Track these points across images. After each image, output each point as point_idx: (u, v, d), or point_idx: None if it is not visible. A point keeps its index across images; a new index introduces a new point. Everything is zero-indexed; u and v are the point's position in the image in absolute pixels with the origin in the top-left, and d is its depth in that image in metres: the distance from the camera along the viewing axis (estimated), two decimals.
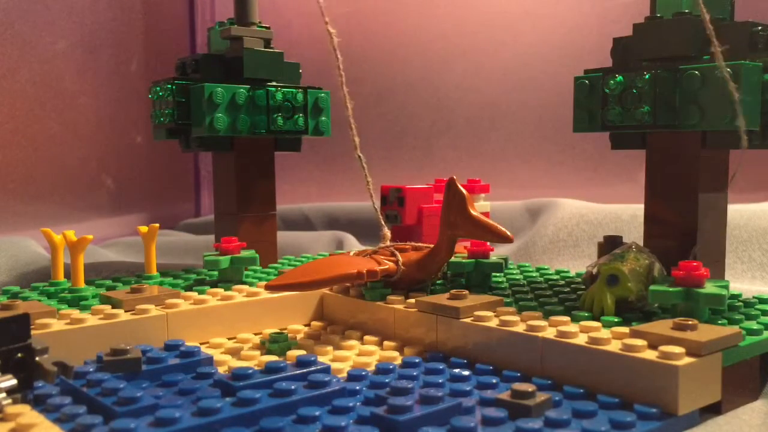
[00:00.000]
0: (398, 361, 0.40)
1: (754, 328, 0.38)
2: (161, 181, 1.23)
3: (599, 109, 0.45)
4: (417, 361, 0.38)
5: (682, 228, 0.47)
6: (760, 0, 0.78)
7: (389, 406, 0.30)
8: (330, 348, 0.42)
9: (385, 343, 0.44)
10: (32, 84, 0.99)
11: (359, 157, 0.53)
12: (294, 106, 0.59)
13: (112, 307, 0.44)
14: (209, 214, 1.25)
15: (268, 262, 0.62)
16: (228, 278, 0.54)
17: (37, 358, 0.31)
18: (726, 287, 0.40)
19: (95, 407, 0.31)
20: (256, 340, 0.45)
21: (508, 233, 0.46)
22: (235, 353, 0.42)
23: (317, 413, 0.30)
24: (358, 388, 0.34)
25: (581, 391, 0.34)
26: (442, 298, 0.43)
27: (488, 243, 0.51)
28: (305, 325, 0.49)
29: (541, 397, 0.32)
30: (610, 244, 0.48)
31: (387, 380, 0.34)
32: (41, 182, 1.01)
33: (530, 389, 0.32)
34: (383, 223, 0.56)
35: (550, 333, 0.37)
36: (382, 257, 0.48)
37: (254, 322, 0.48)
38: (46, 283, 0.53)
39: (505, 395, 0.32)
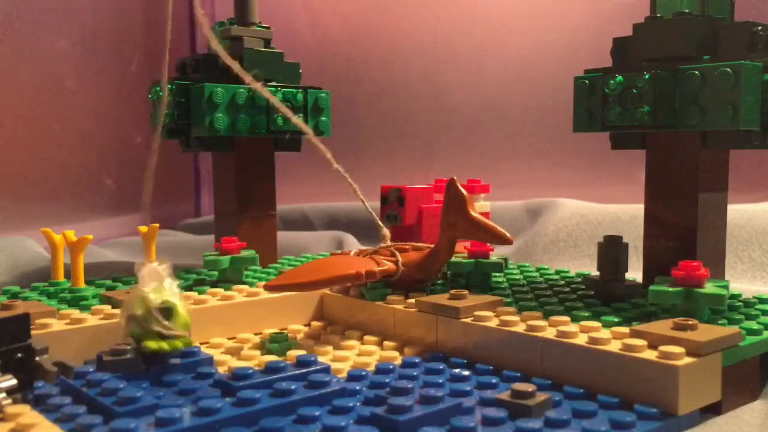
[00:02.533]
0: (398, 361, 0.40)
1: (754, 328, 0.38)
2: (161, 181, 1.23)
3: (599, 109, 0.45)
4: (417, 361, 0.38)
5: (682, 228, 0.47)
6: (760, 0, 0.78)
7: (389, 406, 0.30)
8: (330, 348, 0.42)
9: (385, 343, 0.44)
10: (32, 84, 0.99)
11: (337, 169, 0.54)
12: (294, 106, 0.59)
13: (112, 307, 0.44)
14: (209, 214, 1.25)
15: (268, 262, 0.62)
16: (228, 278, 0.54)
17: (37, 358, 0.31)
18: (726, 287, 0.40)
19: (95, 407, 0.31)
20: (256, 340, 0.45)
21: (508, 235, 0.46)
22: (235, 353, 0.42)
23: (317, 413, 0.30)
24: (358, 388, 0.34)
25: (581, 391, 0.34)
26: (442, 298, 0.43)
27: (488, 243, 0.51)
28: (305, 325, 0.49)
29: (541, 397, 0.32)
30: (610, 245, 0.48)
31: (387, 380, 0.34)
32: (41, 182, 1.01)
33: (530, 389, 0.32)
34: (381, 224, 0.56)
35: (550, 333, 0.37)
36: (382, 257, 0.48)
37: (254, 322, 0.48)
38: (46, 283, 0.53)
39: (505, 395, 0.32)
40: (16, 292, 0.51)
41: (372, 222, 0.57)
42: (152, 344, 0.36)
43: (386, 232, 0.55)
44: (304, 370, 0.35)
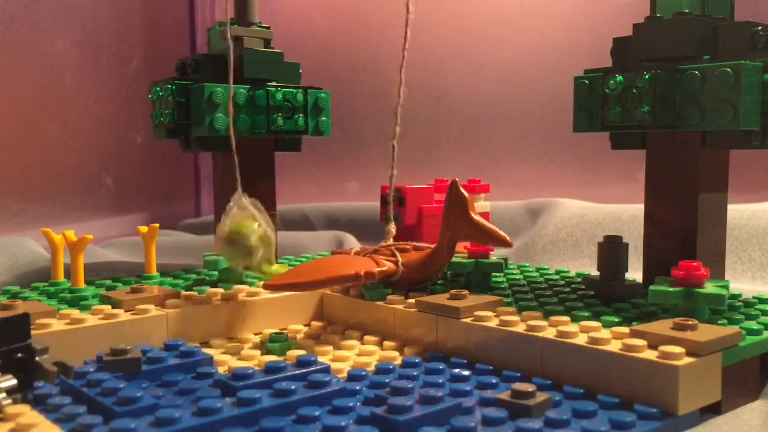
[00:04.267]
0: (398, 361, 0.40)
1: (754, 328, 0.38)
2: (161, 181, 1.23)
3: (599, 109, 0.45)
4: (417, 361, 0.38)
5: (682, 228, 0.47)
6: (760, 0, 0.78)
7: (389, 406, 0.30)
8: (330, 348, 0.42)
9: (385, 343, 0.44)
10: (32, 84, 0.99)
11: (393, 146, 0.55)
12: (294, 106, 0.59)
13: (112, 307, 0.44)
14: (209, 214, 1.25)
15: None
16: (228, 278, 0.53)
17: (37, 358, 0.31)
18: (726, 287, 0.40)
19: (95, 407, 0.31)
20: (256, 340, 0.45)
21: (508, 238, 0.46)
22: (235, 353, 0.42)
23: (317, 413, 0.30)
24: (358, 388, 0.34)
25: (581, 391, 0.34)
26: (442, 298, 0.43)
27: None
28: (305, 325, 0.49)
29: (541, 397, 0.32)
30: (610, 245, 0.48)
31: (387, 380, 0.34)
32: (41, 182, 1.01)
33: (530, 389, 0.32)
34: (391, 220, 0.56)
35: (550, 333, 0.37)
36: (382, 257, 0.48)
37: (254, 322, 0.48)
38: (46, 283, 0.53)
39: (505, 395, 0.32)
40: (16, 292, 0.51)
41: (373, 221, 0.57)
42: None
43: (392, 228, 0.55)
44: (304, 370, 0.35)
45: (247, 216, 0.46)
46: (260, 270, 0.47)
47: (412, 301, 0.45)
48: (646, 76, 0.42)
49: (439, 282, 0.51)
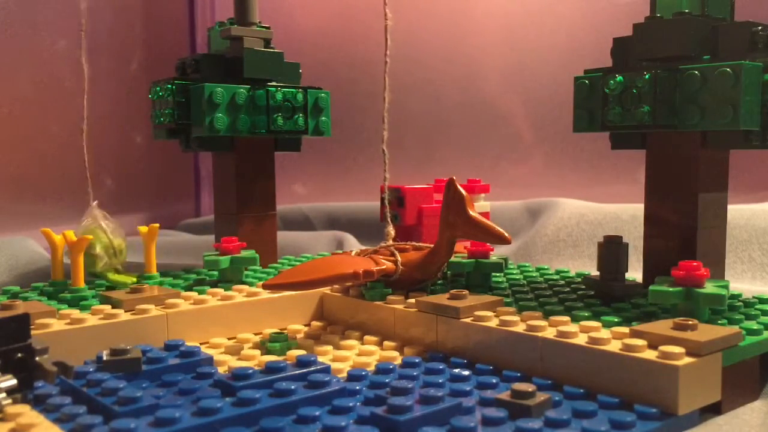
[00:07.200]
0: (398, 361, 0.40)
1: (754, 328, 0.38)
2: (161, 181, 1.23)
3: (599, 109, 0.45)
4: (417, 361, 0.38)
5: (682, 228, 0.47)
6: (761, 0, 0.78)
7: (389, 406, 0.30)
8: (330, 348, 0.42)
9: (385, 343, 0.44)
10: (32, 84, 0.99)
11: (383, 151, 0.55)
12: (294, 106, 0.59)
13: (112, 307, 0.44)
14: (209, 214, 1.25)
15: (268, 262, 0.62)
16: (228, 278, 0.54)
17: (37, 358, 0.31)
18: (726, 287, 0.40)
19: (95, 407, 0.31)
20: (256, 340, 0.45)
21: (506, 234, 0.46)
22: (235, 353, 0.42)
23: (317, 413, 0.30)
24: (358, 388, 0.34)
25: (581, 391, 0.34)
26: (442, 298, 0.43)
27: (487, 243, 0.51)
28: (305, 325, 0.49)
29: (541, 397, 0.32)
30: (610, 245, 0.48)
31: (387, 380, 0.34)
32: (41, 182, 1.01)
33: (530, 389, 0.32)
34: (389, 221, 0.56)
35: (550, 333, 0.37)
36: (382, 257, 0.48)
37: (254, 322, 0.48)
38: (46, 283, 0.53)
39: (505, 395, 0.32)
40: (16, 292, 0.51)
41: (373, 221, 0.57)
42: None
43: (391, 230, 0.55)
44: (304, 370, 0.35)
45: (97, 227, 0.55)
46: (106, 277, 0.53)
47: (412, 301, 0.45)
48: (646, 76, 0.42)
49: (439, 282, 0.51)
